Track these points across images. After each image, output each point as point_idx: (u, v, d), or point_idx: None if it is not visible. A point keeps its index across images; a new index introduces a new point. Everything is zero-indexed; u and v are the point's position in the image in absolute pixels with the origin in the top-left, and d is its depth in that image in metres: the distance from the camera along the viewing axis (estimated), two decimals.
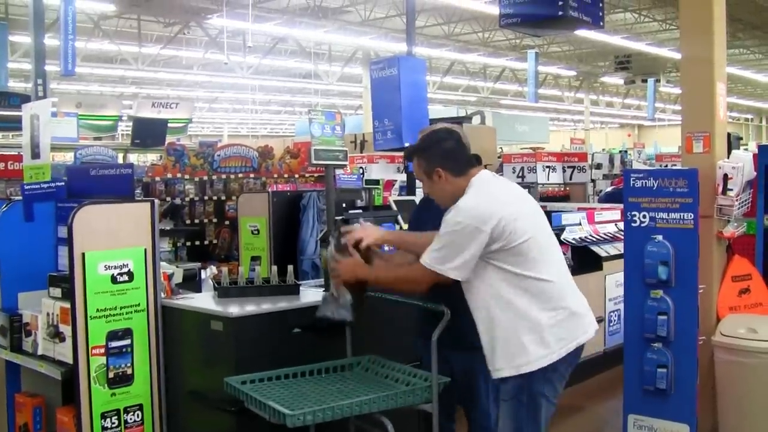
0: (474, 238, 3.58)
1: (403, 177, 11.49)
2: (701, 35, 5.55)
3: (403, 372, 4.08)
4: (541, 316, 3.62)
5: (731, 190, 5.35)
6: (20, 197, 5.39)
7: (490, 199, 3.69)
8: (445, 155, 3.83)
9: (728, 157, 5.54)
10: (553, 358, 3.62)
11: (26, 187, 5.25)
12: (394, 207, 8.33)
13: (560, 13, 7.32)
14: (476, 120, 18.20)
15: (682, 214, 4.91)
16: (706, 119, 5.51)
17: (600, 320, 7.52)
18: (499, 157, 15.44)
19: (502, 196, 3.77)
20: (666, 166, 15.81)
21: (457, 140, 3.89)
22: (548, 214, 8.82)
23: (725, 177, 5.38)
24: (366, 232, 4.06)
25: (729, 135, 6.10)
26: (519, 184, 12.36)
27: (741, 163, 5.38)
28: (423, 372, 3.97)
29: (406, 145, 7.15)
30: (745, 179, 5.41)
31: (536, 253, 3.66)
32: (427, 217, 4.32)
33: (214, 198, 10.69)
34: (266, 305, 4.55)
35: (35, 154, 5.34)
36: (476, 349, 3.83)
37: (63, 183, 5.35)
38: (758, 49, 30.27)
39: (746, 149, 10.78)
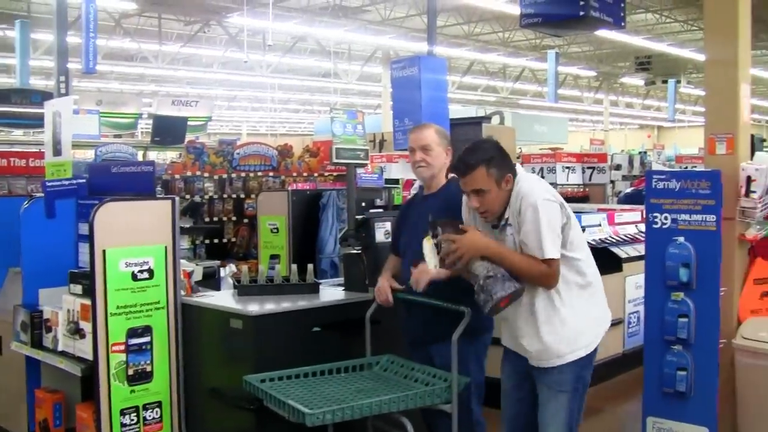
0: (555, 211, 3.65)
1: None
2: (726, 36, 5.48)
3: (423, 372, 4.07)
4: (592, 300, 3.78)
5: (754, 192, 5.28)
6: (42, 194, 5.40)
7: (541, 181, 3.86)
8: (509, 162, 3.77)
9: (751, 159, 5.49)
10: (601, 336, 3.81)
11: (48, 184, 5.28)
12: None
13: (581, 13, 7.29)
14: (495, 120, 18.13)
15: (704, 216, 4.85)
16: (730, 121, 5.45)
17: (619, 322, 7.50)
18: (518, 158, 15.41)
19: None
20: (686, 167, 15.67)
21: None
22: None
23: (748, 179, 5.30)
24: (465, 247, 3.67)
25: (752, 137, 6.05)
26: None
27: (764, 165, 5.30)
28: (442, 372, 3.96)
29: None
30: None
31: (578, 237, 3.81)
32: (416, 213, 4.33)
33: (233, 196, 10.72)
34: (286, 304, 4.56)
35: (57, 151, 5.37)
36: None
37: (84, 180, 5.36)
38: None
39: None
